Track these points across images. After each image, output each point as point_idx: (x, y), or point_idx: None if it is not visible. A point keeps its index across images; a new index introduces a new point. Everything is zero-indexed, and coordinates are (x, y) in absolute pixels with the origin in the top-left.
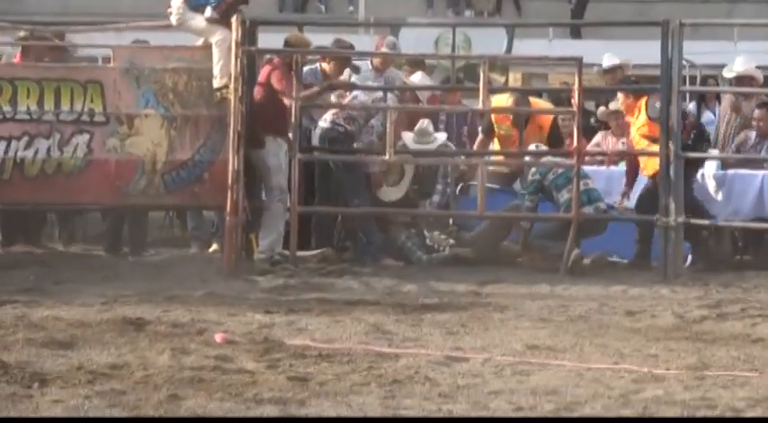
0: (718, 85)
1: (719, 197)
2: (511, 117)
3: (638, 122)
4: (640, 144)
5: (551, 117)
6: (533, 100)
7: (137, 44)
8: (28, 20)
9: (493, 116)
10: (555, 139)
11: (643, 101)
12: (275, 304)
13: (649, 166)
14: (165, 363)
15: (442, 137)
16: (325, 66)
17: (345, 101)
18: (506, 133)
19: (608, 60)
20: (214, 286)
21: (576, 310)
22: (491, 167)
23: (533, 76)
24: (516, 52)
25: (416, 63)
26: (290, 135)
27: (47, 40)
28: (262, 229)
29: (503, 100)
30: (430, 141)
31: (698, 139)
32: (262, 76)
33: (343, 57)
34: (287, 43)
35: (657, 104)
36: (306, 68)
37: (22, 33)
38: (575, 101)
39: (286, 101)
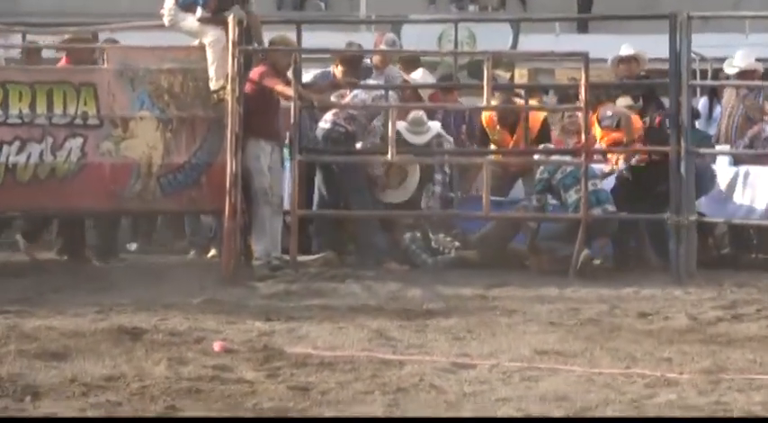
0: (729, 78)
1: (734, 194)
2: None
3: (598, 134)
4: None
5: (541, 117)
6: (519, 101)
7: (109, 44)
8: (23, 21)
9: (484, 122)
10: (544, 140)
11: (596, 113)
12: (275, 311)
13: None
14: (161, 373)
15: (435, 126)
16: (338, 71)
17: (346, 100)
18: (500, 137)
19: (625, 50)
20: (212, 293)
21: (586, 312)
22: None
23: (540, 72)
24: (522, 48)
25: (412, 61)
26: (288, 136)
27: (87, 41)
28: (253, 235)
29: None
30: (424, 131)
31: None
32: (253, 74)
33: (353, 60)
34: (271, 45)
35: (609, 113)
36: (318, 72)
37: (66, 36)
38: (582, 97)
39: (285, 102)
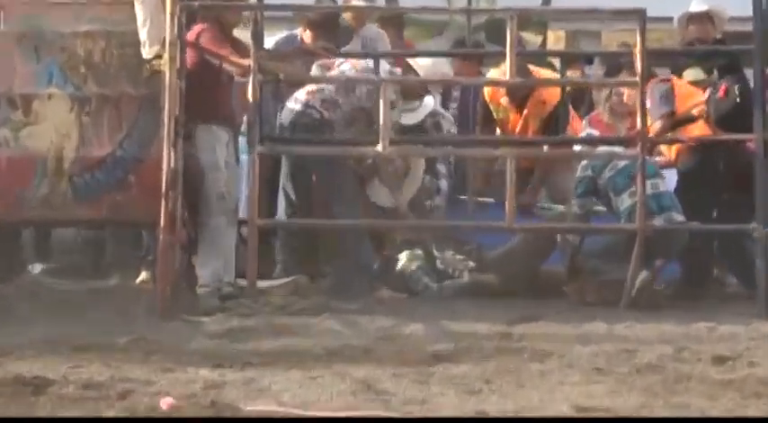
0: None
1: None
2: (504, 94)
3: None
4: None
5: (557, 90)
6: (534, 69)
7: None
8: None
9: (486, 96)
10: (559, 122)
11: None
12: (227, 355)
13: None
14: None
15: (430, 102)
16: (306, 36)
17: (331, 74)
18: (504, 116)
19: (696, 6)
20: (143, 330)
21: (645, 356)
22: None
23: (581, 35)
24: (557, 4)
25: (395, 21)
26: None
27: None
28: (199, 254)
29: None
30: (415, 107)
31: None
32: (190, 35)
33: (325, 21)
34: None
35: (658, 94)
36: (281, 37)
37: None
38: (637, 68)
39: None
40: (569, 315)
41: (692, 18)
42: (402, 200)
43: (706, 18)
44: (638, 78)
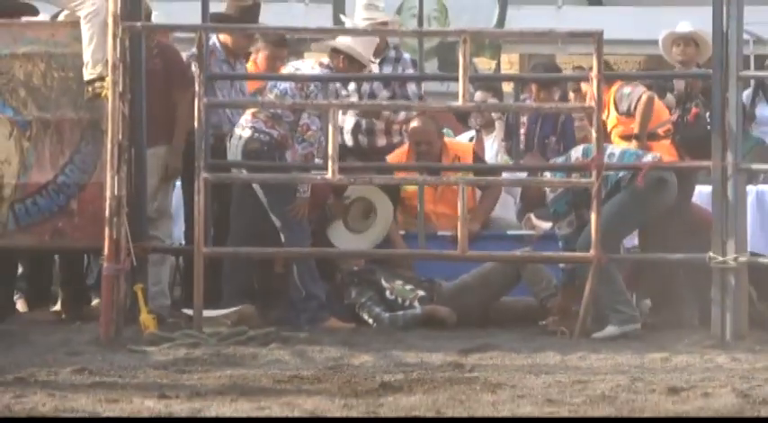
0: None
1: None
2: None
3: (610, 122)
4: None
5: (470, 147)
6: (449, 140)
7: None
8: None
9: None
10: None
11: (612, 91)
12: (173, 385)
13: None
14: None
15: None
16: (224, 38)
17: (268, 96)
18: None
19: (683, 27)
20: (87, 361)
21: (599, 387)
22: None
23: (535, 59)
24: (511, 25)
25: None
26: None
27: None
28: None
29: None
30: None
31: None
32: None
33: (276, 42)
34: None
35: (627, 90)
36: (186, 54)
37: None
38: (593, 92)
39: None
40: (522, 345)
41: (676, 40)
42: (367, 242)
43: (690, 40)
44: (593, 103)
